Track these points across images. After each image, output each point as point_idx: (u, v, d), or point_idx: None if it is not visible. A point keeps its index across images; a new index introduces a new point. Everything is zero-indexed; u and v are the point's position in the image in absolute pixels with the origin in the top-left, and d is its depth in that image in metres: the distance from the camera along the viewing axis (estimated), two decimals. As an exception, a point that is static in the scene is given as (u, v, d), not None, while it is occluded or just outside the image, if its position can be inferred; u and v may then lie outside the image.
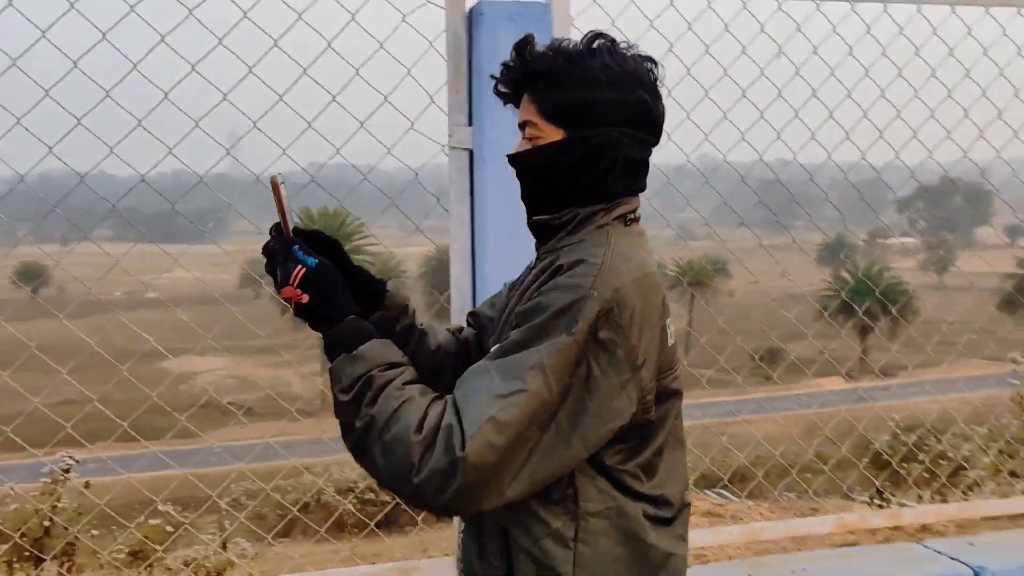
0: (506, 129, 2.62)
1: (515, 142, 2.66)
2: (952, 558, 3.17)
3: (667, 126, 2.78)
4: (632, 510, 1.48)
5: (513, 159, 1.64)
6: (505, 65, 1.63)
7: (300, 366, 39.49)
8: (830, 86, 3.03)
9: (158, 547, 4.79)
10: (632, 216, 1.59)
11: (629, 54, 1.57)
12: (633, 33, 2.80)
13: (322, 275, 1.47)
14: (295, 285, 1.46)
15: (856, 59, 3.03)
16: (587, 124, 1.54)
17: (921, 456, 5.65)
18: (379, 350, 1.45)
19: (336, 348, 1.44)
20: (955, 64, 3.11)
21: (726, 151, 3.02)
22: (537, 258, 1.63)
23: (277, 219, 1.53)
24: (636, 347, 1.43)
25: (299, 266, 1.47)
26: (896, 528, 4.08)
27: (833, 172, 3.32)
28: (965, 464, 5.84)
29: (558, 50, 1.57)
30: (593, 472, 1.47)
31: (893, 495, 5.50)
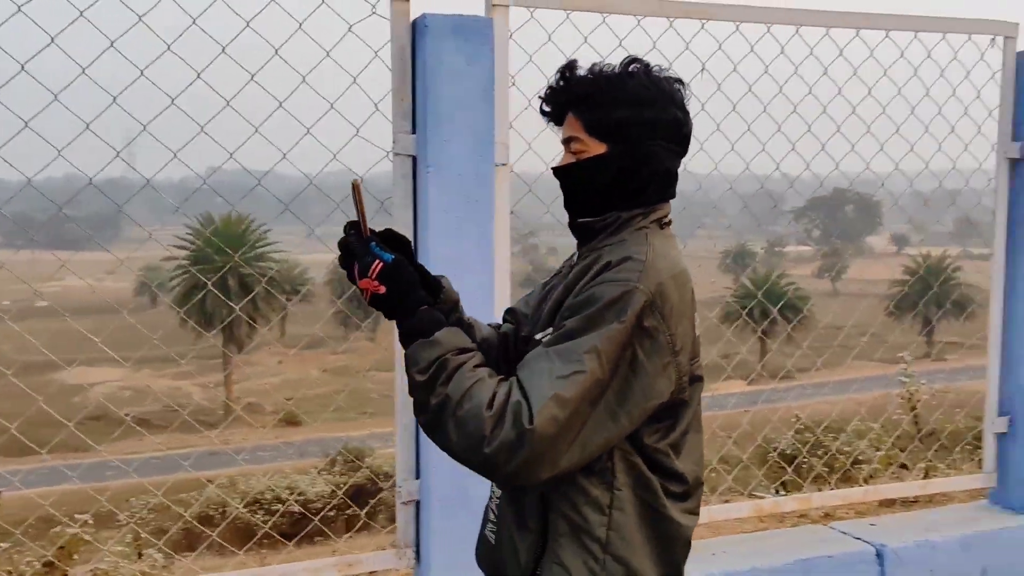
0: (447, 137, 2.77)
1: (456, 149, 2.81)
2: (857, 538, 3.43)
3: None
4: (656, 485, 1.67)
5: (560, 171, 1.80)
6: (550, 88, 1.80)
7: (200, 376, 38.61)
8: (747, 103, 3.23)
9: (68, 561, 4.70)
10: (666, 220, 1.79)
11: (662, 76, 1.76)
12: (568, 48, 2.99)
13: (399, 269, 1.61)
14: (373, 277, 1.60)
15: (772, 76, 3.26)
16: (628, 139, 1.72)
17: (820, 452, 5.97)
18: (452, 336, 1.61)
19: (413, 334, 1.60)
20: (857, 83, 3.37)
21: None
22: (579, 256, 1.80)
23: (353, 218, 1.66)
24: (675, 334, 1.62)
25: (377, 261, 1.61)
26: (803, 516, 4.35)
27: (738, 184, 3.53)
28: (859, 459, 6.20)
29: (599, 73, 1.75)
30: (630, 449, 1.65)
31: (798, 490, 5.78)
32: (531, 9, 2.91)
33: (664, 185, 1.78)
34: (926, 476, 5.99)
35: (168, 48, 2.56)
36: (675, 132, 1.76)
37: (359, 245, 1.63)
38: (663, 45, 3.05)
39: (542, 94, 1.82)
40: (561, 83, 1.78)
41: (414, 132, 2.82)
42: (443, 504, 2.85)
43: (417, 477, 2.93)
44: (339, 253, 1.66)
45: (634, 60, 1.77)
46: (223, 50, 2.63)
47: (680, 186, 3.58)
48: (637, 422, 1.62)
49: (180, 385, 36.78)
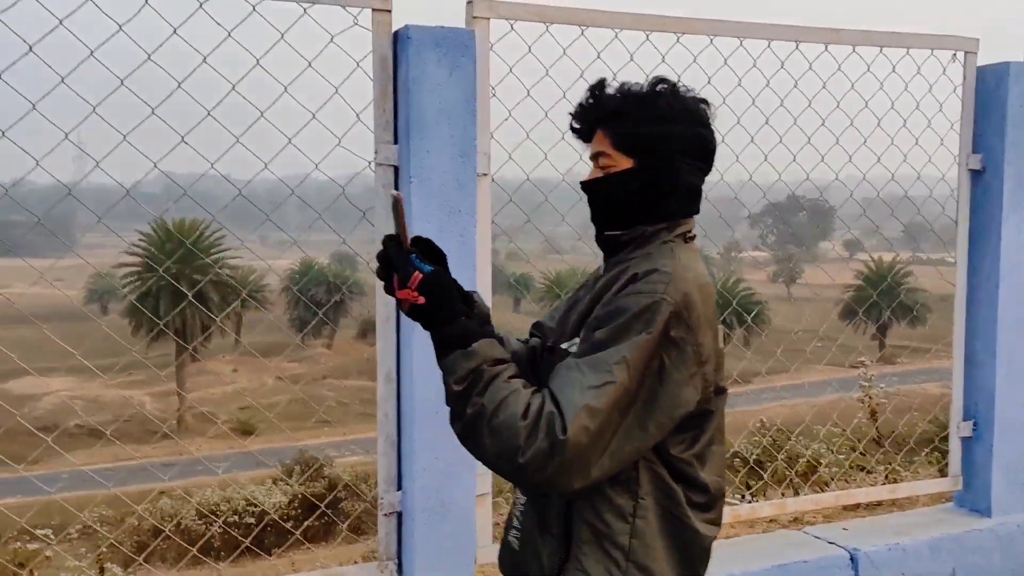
0: (429, 147, 2.78)
1: (437, 159, 2.82)
2: (831, 543, 3.49)
3: (546, 146, 3.00)
4: (678, 495, 1.71)
5: (587, 185, 1.85)
6: (580, 105, 1.85)
7: (152, 385, 37.97)
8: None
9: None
10: (690, 234, 1.84)
11: (688, 95, 1.81)
12: (547, 59, 3.02)
13: (438, 281, 1.64)
14: (413, 288, 1.62)
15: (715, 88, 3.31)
16: (654, 154, 1.77)
17: (786, 457, 6.07)
18: (488, 348, 1.64)
19: (451, 344, 1.63)
20: (826, 95, 3.44)
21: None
22: (605, 268, 1.85)
23: (393, 230, 1.68)
24: (702, 344, 1.67)
25: (417, 272, 1.63)
26: (772, 520, 4.42)
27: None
28: (818, 462, 6.30)
29: (628, 91, 1.80)
30: (654, 459, 1.69)
31: (763, 494, 5.86)
32: (511, 22, 2.94)
33: (688, 200, 1.83)
34: (887, 480, 6.12)
35: (149, 57, 2.55)
36: (699, 149, 1.81)
37: (399, 257, 1.65)
38: (639, 58, 3.09)
39: (572, 112, 1.87)
40: (591, 101, 1.83)
41: (396, 142, 2.83)
42: (425, 515, 2.85)
43: (399, 488, 2.93)
44: (377, 264, 1.68)
45: (661, 80, 1.82)
46: (204, 60, 2.62)
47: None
48: (665, 431, 1.66)
49: (132, 394, 36.15)
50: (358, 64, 2.79)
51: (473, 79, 2.82)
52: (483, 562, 3.02)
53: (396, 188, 2.86)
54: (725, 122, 3.22)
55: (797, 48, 3.34)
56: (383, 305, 2.89)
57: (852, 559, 3.41)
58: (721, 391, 1.77)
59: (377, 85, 2.81)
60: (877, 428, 7.54)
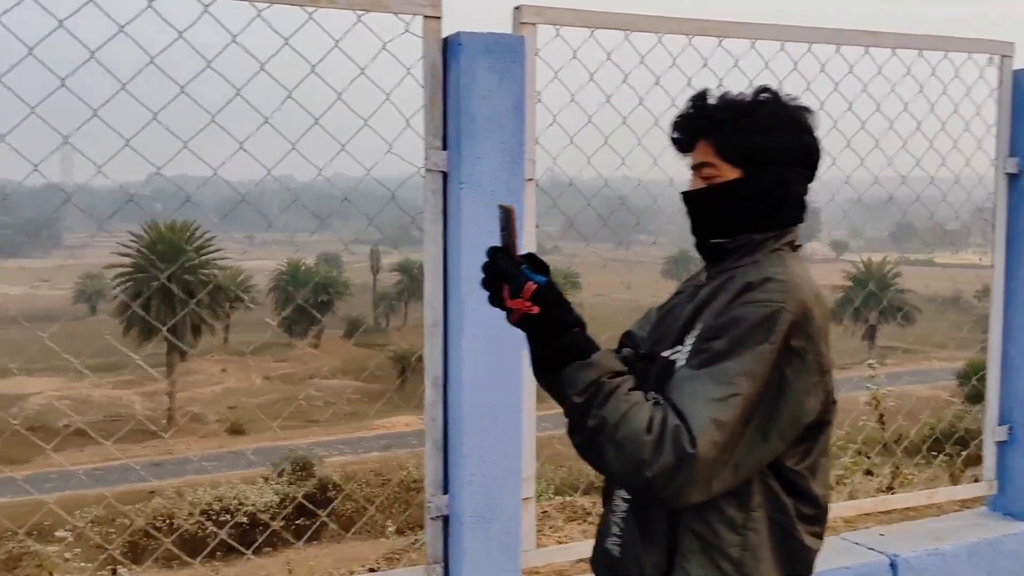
0: (479, 153, 2.76)
1: (487, 165, 2.81)
2: (870, 548, 3.48)
3: (589, 150, 2.99)
4: (789, 508, 1.69)
5: (691, 196, 1.83)
6: (682, 116, 1.82)
7: (141, 385, 37.82)
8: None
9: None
10: (797, 243, 1.82)
11: (792, 104, 1.79)
12: (591, 64, 3.01)
13: (552, 291, 1.63)
14: (527, 298, 1.61)
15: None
16: (762, 164, 1.75)
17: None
18: (607, 359, 1.63)
19: (568, 355, 1.61)
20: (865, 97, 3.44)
21: (578, 171, 3.20)
22: (708, 276, 1.83)
23: (499, 242, 1.68)
24: (822, 354, 1.65)
25: (530, 282, 1.61)
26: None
27: (669, 190, 3.53)
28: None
29: (733, 101, 1.78)
30: (767, 471, 1.66)
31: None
32: (557, 27, 2.93)
33: (795, 208, 1.81)
34: (892, 481, 6.14)
35: (208, 65, 2.52)
36: (806, 158, 1.80)
37: (511, 267, 1.63)
38: (682, 62, 3.09)
39: (672, 121, 1.84)
40: (693, 111, 1.81)
41: (445, 148, 2.82)
42: (474, 519, 2.84)
43: (445, 492, 2.92)
44: (483, 275, 1.66)
45: (764, 89, 1.80)
46: (262, 67, 2.60)
47: (625, 191, 3.56)
48: (786, 443, 1.64)
49: (121, 395, 35.99)
50: (408, 71, 2.77)
51: (522, 85, 2.81)
52: (527, 566, 3.01)
53: (444, 193, 2.85)
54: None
55: (838, 51, 3.33)
56: (431, 309, 2.87)
57: (892, 565, 3.40)
58: (833, 401, 1.75)
59: (427, 91, 2.79)
60: (884, 428, 7.55)
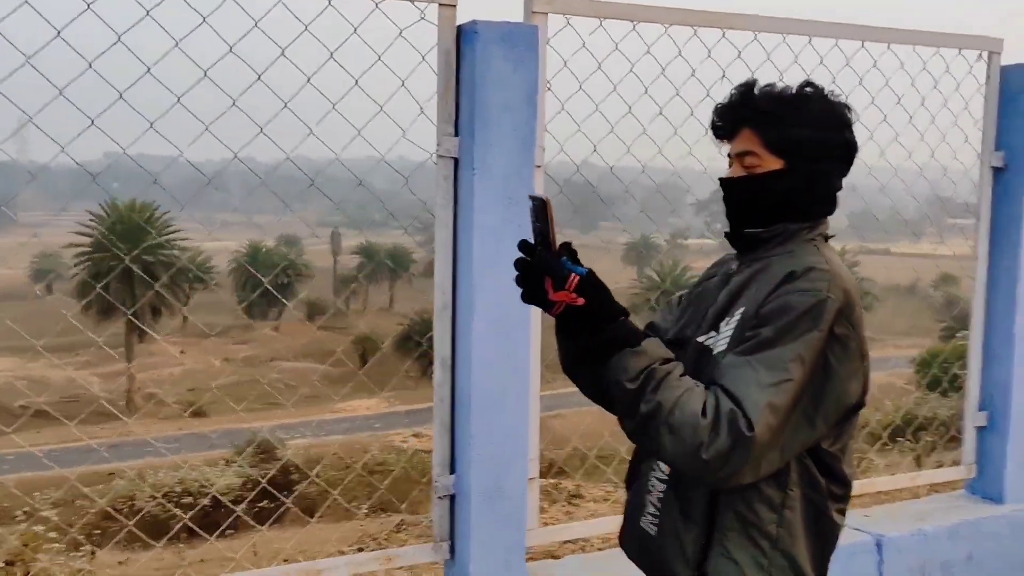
0: (492, 140, 2.80)
1: (499, 152, 2.84)
2: (856, 528, 3.59)
3: (596, 138, 3.02)
4: (823, 487, 1.76)
5: (732, 183, 1.86)
6: (727, 104, 1.86)
7: (100, 366, 37.28)
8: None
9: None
10: (830, 234, 1.87)
11: (835, 100, 1.84)
12: (599, 54, 3.05)
13: (595, 282, 1.65)
14: (571, 290, 1.62)
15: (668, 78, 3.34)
16: (806, 157, 1.80)
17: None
18: (656, 347, 1.67)
19: (618, 343, 1.64)
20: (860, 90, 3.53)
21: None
22: (740, 264, 1.87)
23: (531, 236, 1.68)
24: (863, 340, 1.72)
25: (573, 274, 1.62)
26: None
27: (642, 177, 3.58)
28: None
29: (780, 94, 1.82)
30: (804, 452, 1.73)
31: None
32: (567, 16, 2.97)
33: (830, 202, 1.88)
34: (858, 467, 6.29)
35: (231, 50, 2.54)
36: (846, 153, 1.85)
37: (551, 259, 1.64)
38: (687, 52, 3.16)
39: (716, 107, 1.88)
40: (739, 99, 1.84)
41: (457, 135, 2.85)
42: (480, 499, 2.89)
43: (452, 472, 2.96)
44: (520, 271, 1.66)
45: (809, 83, 1.85)
46: (282, 52, 2.62)
47: (592, 176, 3.58)
48: (830, 426, 1.71)
49: (79, 376, 35.44)
50: (423, 58, 2.80)
51: (535, 73, 2.85)
52: (530, 544, 3.07)
53: (455, 179, 2.88)
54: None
55: (836, 45, 3.42)
56: (441, 293, 2.91)
57: (878, 544, 3.52)
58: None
59: (441, 78, 2.83)
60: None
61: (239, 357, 43.55)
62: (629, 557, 1.97)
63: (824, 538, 1.79)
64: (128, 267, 26.88)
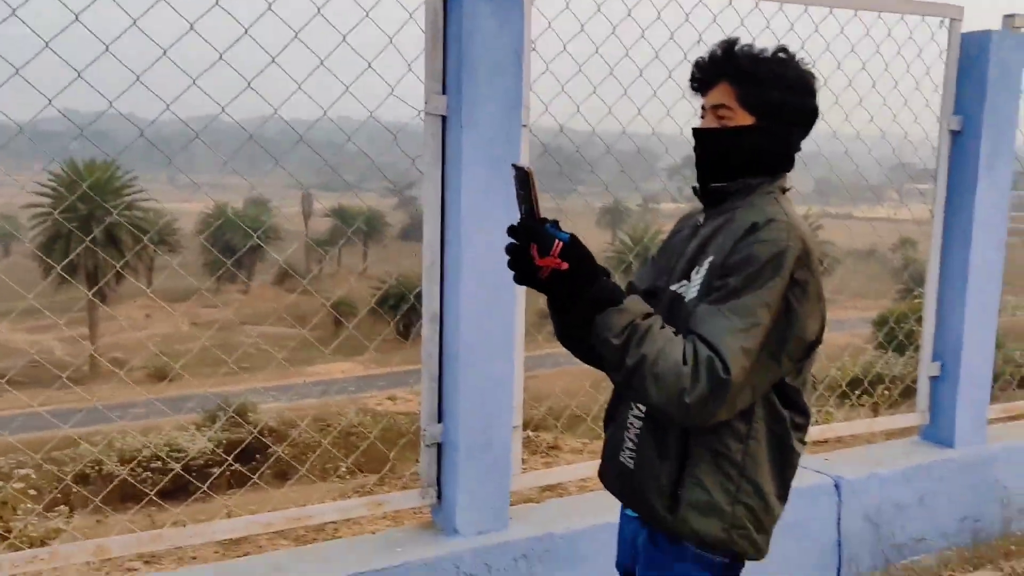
0: (478, 98, 2.91)
1: (486, 110, 2.95)
2: (816, 471, 3.81)
3: (579, 99, 3.13)
4: (786, 418, 1.93)
5: (703, 133, 1.98)
6: (710, 58, 1.97)
7: (61, 330, 36.89)
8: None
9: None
10: (787, 187, 2.02)
11: (805, 68, 1.97)
12: (583, 15, 3.17)
13: (577, 246, 1.77)
14: (555, 255, 1.74)
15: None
16: (776, 118, 1.94)
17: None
18: (637, 303, 1.81)
19: (601, 303, 1.77)
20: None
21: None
22: (706, 216, 2.02)
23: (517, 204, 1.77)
24: (819, 282, 1.87)
25: (556, 240, 1.75)
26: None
27: (619, 141, 3.70)
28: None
29: (759, 54, 1.94)
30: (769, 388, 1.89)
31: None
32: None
33: (789, 160, 2.02)
34: (815, 420, 6.54)
35: (219, 3, 2.61)
36: (811, 119, 2.00)
37: (535, 227, 1.75)
38: (666, 16, 3.29)
39: (696, 61, 1.99)
40: (721, 55, 1.96)
41: (444, 93, 2.95)
42: (468, 447, 3.04)
43: (439, 421, 3.11)
44: (511, 243, 1.76)
45: (783, 49, 1.98)
46: (269, 7, 2.70)
47: (560, 142, 3.69)
48: (794, 362, 1.87)
49: (40, 339, 35.06)
50: (411, 15, 2.89)
51: (521, 32, 2.95)
52: (515, 488, 3.23)
53: (443, 137, 2.99)
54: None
55: (806, 11, 3.56)
56: (429, 250, 3.03)
57: (836, 485, 3.74)
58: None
59: (428, 37, 2.92)
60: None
61: (206, 321, 43.19)
62: (608, 489, 2.13)
63: (785, 464, 1.96)
64: (89, 228, 26.56)
